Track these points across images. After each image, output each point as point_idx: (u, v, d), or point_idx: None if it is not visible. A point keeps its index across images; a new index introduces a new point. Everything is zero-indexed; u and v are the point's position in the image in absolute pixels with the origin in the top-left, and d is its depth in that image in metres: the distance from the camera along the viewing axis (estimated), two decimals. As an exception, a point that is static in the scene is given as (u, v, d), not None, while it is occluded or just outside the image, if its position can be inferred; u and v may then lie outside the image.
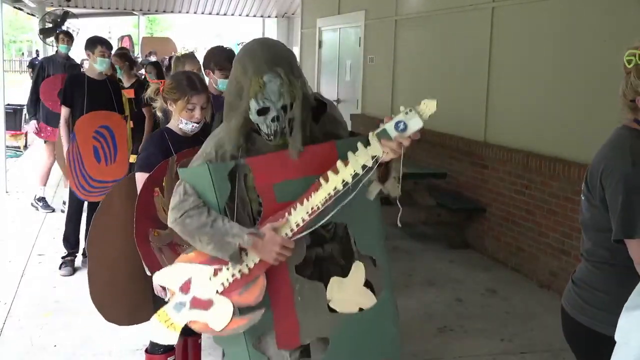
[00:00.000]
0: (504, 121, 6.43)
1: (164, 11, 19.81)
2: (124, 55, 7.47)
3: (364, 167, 2.23)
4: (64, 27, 9.70)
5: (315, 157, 2.35)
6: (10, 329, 4.57)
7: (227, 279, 2.34)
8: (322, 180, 2.26)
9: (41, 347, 4.31)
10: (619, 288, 2.18)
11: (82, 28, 10.77)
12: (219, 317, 2.34)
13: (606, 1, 5.21)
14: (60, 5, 14.32)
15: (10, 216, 7.59)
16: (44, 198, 7.88)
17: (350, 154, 2.23)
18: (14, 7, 14.69)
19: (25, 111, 14.27)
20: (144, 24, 22.30)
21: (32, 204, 7.85)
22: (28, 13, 16.69)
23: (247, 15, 19.04)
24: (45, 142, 7.88)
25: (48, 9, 13.96)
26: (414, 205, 7.85)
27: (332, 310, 2.50)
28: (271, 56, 2.34)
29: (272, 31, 19.49)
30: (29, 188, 9.01)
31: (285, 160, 2.37)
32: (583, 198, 2.46)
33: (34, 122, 7.67)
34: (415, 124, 2.15)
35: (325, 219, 2.32)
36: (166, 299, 2.47)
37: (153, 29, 40.48)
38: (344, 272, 2.51)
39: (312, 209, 2.28)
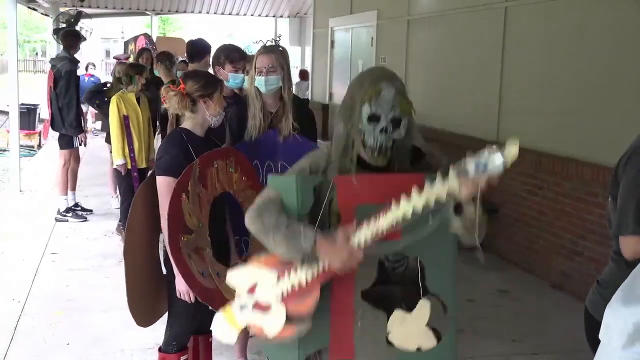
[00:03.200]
0: (516, 121, 6.41)
1: (177, 11, 19.87)
2: (167, 54, 7.61)
3: (437, 200, 2.20)
4: (77, 27, 9.71)
5: (402, 185, 2.31)
6: (24, 327, 4.60)
7: (287, 288, 2.34)
8: (393, 205, 2.23)
9: (54, 345, 4.33)
10: None
11: (95, 28, 10.81)
12: (273, 323, 2.37)
13: (620, 1, 5.18)
14: (74, 6, 14.38)
15: (24, 215, 7.64)
16: (71, 207, 7.53)
17: (427, 185, 2.21)
18: (28, 7, 14.78)
19: (39, 111, 14.41)
20: (157, 24, 22.36)
21: (57, 219, 7.40)
22: (42, 13, 16.77)
23: (259, 15, 19.06)
24: (69, 148, 7.54)
25: (62, 9, 14.02)
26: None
27: (389, 344, 2.45)
28: (389, 73, 2.43)
29: (284, 31, 19.50)
30: (43, 187, 9.08)
31: (372, 183, 2.37)
32: (610, 199, 2.43)
33: (84, 134, 7.46)
34: (495, 167, 2.14)
35: (400, 244, 2.30)
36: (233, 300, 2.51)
37: (165, 29, 40.61)
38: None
39: (377, 230, 2.25)
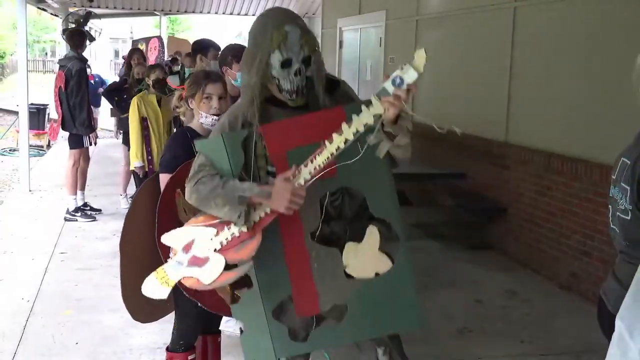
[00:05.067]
0: (525, 121, 6.39)
1: (185, 11, 19.88)
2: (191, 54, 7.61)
3: (366, 125, 2.30)
4: (86, 28, 9.74)
5: (325, 122, 2.40)
6: (33, 326, 4.61)
7: (227, 238, 2.39)
8: (326, 142, 2.32)
9: (63, 344, 4.35)
10: None
11: (104, 28, 10.83)
12: (209, 272, 2.40)
13: (630, 0, 5.16)
14: (83, 6, 14.43)
15: (33, 214, 7.67)
16: (80, 207, 7.53)
17: (354, 116, 2.30)
18: (38, 8, 14.85)
19: (48, 111, 14.46)
20: (165, 24, 22.40)
21: (66, 219, 7.40)
22: (51, 13, 16.84)
23: (268, 15, 19.07)
24: (79, 147, 7.52)
25: (71, 10, 14.07)
26: (434, 206, 7.83)
27: (349, 277, 2.51)
28: (289, 12, 2.48)
29: (292, 31, 19.48)
30: (52, 187, 9.12)
31: (297, 127, 2.43)
32: (632, 208, 2.33)
33: (94, 134, 7.45)
34: (410, 76, 2.27)
35: (333, 165, 2.36)
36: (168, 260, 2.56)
37: (174, 29, 40.67)
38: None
39: (314, 168, 2.33)
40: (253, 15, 19.04)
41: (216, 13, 18.97)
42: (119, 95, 7.74)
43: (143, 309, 3.34)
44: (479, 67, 7.21)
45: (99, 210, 7.67)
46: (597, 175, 5.24)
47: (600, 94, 5.36)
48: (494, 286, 5.71)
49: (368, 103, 2.30)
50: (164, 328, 4.16)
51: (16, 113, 13.73)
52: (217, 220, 2.41)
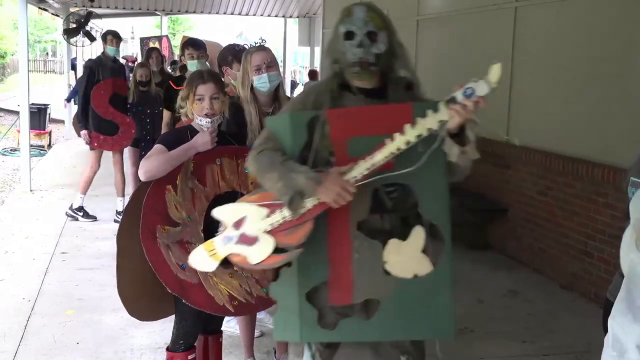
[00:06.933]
0: (526, 121, 6.39)
1: (187, 11, 19.89)
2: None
3: (429, 130, 2.32)
4: (87, 27, 9.72)
5: (391, 116, 2.43)
6: (34, 326, 4.61)
7: (278, 220, 2.43)
8: (387, 141, 2.34)
9: (64, 344, 4.35)
10: None
11: (105, 28, 10.81)
12: (258, 252, 2.44)
13: (630, 1, 5.16)
14: (84, 6, 14.44)
15: (34, 214, 7.67)
16: (83, 207, 7.45)
17: (418, 119, 2.33)
18: (39, 8, 14.86)
19: (49, 111, 14.48)
20: (166, 24, 22.41)
21: (67, 214, 7.39)
22: (52, 13, 16.87)
23: (268, 15, 19.07)
24: (91, 149, 7.38)
25: (72, 10, 14.08)
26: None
27: (387, 274, 2.49)
28: (365, 2, 2.56)
29: (293, 31, 19.51)
30: (53, 187, 9.12)
31: (361, 116, 2.46)
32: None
33: (84, 133, 7.17)
34: (482, 89, 2.31)
35: (392, 174, 2.39)
36: (218, 233, 2.60)
37: (175, 29, 40.67)
38: None
39: (372, 165, 2.35)
40: (254, 15, 19.07)
41: (217, 13, 18.99)
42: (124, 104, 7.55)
43: (140, 305, 3.33)
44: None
45: (94, 218, 7.47)
46: (598, 176, 5.24)
47: (601, 94, 5.36)
48: (495, 286, 5.71)
49: (434, 108, 2.33)
50: (165, 328, 4.16)
51: (17, 113, 13.75)
52: (271, 201, 2.45)
